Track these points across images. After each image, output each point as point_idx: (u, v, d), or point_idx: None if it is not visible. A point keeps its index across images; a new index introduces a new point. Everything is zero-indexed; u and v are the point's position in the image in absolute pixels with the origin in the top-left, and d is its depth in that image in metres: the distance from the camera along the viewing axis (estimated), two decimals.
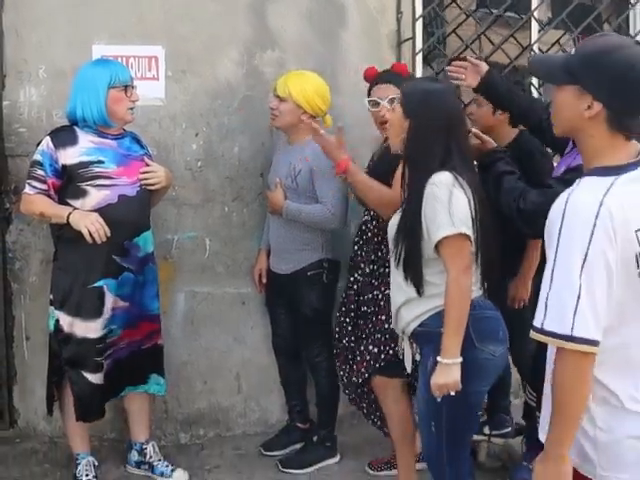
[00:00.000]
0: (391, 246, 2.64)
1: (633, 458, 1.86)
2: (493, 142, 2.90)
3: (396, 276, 2.64)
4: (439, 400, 2.51)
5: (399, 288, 2.63)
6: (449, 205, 2.46)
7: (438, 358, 2.47)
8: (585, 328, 1.73)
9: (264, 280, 3.83)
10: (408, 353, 2.79)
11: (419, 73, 4.27)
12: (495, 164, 2.78)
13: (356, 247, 3.42)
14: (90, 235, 3.06)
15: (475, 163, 2.76)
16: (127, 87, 3.26)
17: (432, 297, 2.55)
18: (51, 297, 3.28)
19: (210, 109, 3.88)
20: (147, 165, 3.34)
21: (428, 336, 2.57)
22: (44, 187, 3.15)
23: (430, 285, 2.55)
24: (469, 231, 2.48)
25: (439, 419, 2.56)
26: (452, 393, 2.46)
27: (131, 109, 3.29)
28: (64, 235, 3.21)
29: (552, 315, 1.77)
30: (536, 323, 1.80)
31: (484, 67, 3.09)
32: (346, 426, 4.05)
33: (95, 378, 3.25)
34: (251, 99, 3.91)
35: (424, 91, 2.64)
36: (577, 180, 1.86)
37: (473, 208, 2.50)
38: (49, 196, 3.17)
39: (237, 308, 4.00)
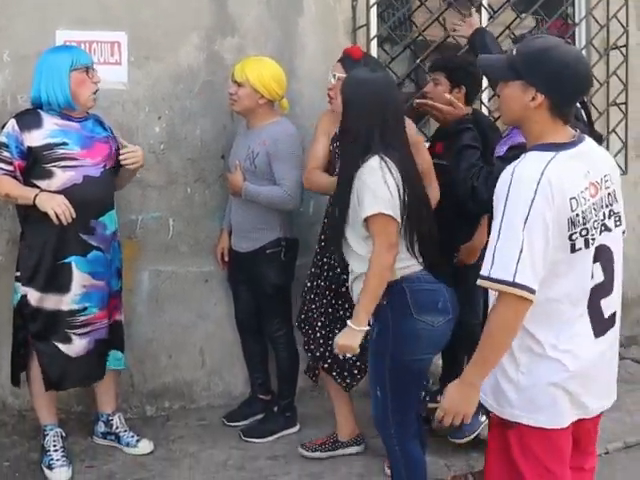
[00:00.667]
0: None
1: (548, 401, 2.14)
2: (463, 108, 3.13)
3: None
4: (382, 365, 2.77)
5: (350, 265, 2.84)
6: (374, 188, 2.67)
7: (348, 322, 2.74)
8: (526, 276, 2.02)
9: (226, 258, 3.98)
10: None
11: None
12: (460, 135, 2.99)
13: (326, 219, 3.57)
14: (57, 217, 3.19)
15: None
16: (88, 69, 3.38)
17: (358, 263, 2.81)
18: (17, 274, 3.40)
19: (172, 93, 4.00)
20: (123, 146, 3.47)
21: (373, 313, 2.78)
22: (10, 168, 3.26)
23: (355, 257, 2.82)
24: (391, 211, 2.68)
25: (383, 384, 2.76)
26: (348, 355, 2.87)
27: (94, 93, 3.40)
28: (31, 215, 3.32)
29: (498, 264, 2.05)
30: (484, 272, 2.08)
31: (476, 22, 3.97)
32: (306, 398, 4.23)
33: (67, 349, 3.39)
34: (212, 84, 4.04)
35: (358, 80, 2.84)
36: (522, 154, 2.16)
37: (401, 189, 2.69)
38: (15, 177, 3.28)
39: (200, 286, 4.15)
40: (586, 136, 2.25)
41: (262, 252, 3.74)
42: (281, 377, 3.93)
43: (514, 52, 2.21)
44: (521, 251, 2.01)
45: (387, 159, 2.70)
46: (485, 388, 2.21)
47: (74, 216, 3.23)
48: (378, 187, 2.67)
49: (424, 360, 2.88)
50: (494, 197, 2.14)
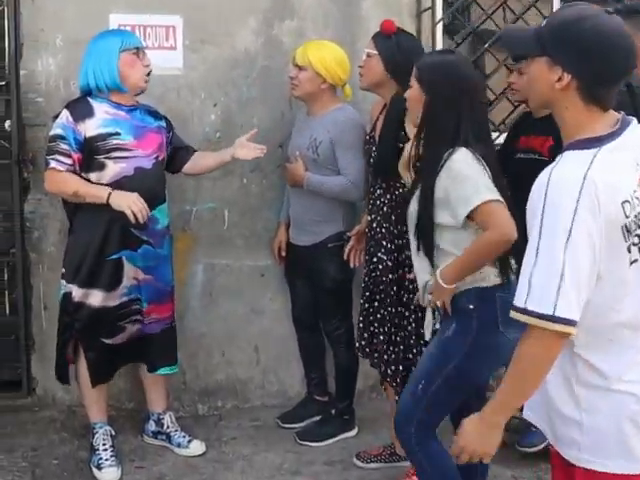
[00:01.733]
0: (411, 231, 2.62)
1: (619, 442, 1.78)
2: None
3: (418, 258, 2.64)
4: (441, 368, 2.55)
5: (423, 268, 2.63)
6: (475, 177, 2.44)
7: (437, 273, 2.54)
8: (568, 307, 1.66)
9: (283, 253, 3.80)
10: (429, 321, 2.75)
11: (439, 44, 4.18)
12: None
13: (375, 224, 3.30)
14: (134, 216, 3.07)
15: None
16: (139, 50, 3.23)
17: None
18: (63, 270, 3.28)
19: (228, 79, 3.84)
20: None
21: (454, 312, 2.56)
22: (69, 162, 3.12)
23: (444, 255, 2.56)
24: (498, 196, 2.45)
25: (430, 384, 2.54)
26: (438, 304, 2.57)
27: (147, 75, 3.25)
28: (80, 209, 3.20)
29: (535, 293, 1.69)
30: (518, 302, 1.72)
31: None
32: (365, 400, 4.04)
33: (113, 340, 3.28)
34: (270, 69, 3.86)
35: (438, 64, 2.60)
36: (559, 156, 1.78)
37: (492, 183, 2.47)
38: (74, 172, 3.14)
39: (256, 280, 3.98)
40: (631, 118, 1.83)
41: (323, 246, 3.55)
42: (339, 378, 3.74)
43: (543, 23, 1.85)
44: (562, 276, 1.65)
45: (476, 152, 2.49)
46: (539, 416, 1.92)
47: (150, 214, 3.14)
48: (480, 176, 2.45)
49: (487, 375, 2.68)
50: (527, 210, 1.78)
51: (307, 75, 3.48)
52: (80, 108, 3.16)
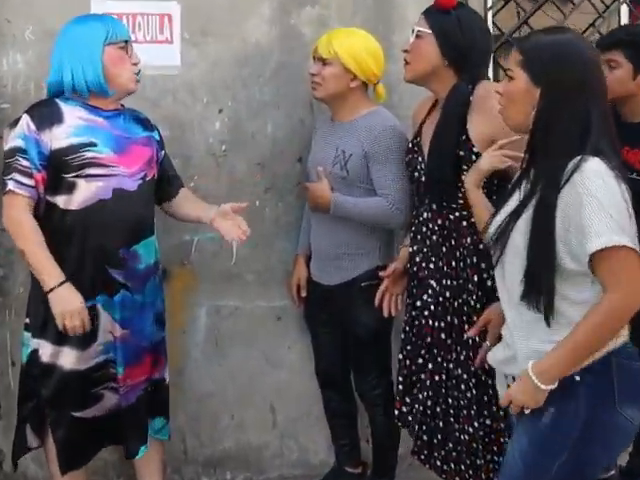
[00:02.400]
0: (503, 277, 1.91)
1: None
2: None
3: (507, 293, 1.91)
4: (547, 469, 1.81)
5: (517, 312, 1.89)
6: (608, 205, 1.70)
7: (529, 370, 1.79)
8: None
9: (303, 293, 3.08)
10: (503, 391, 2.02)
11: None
12: None
13: (418, 258, 2.60)
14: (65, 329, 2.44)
15: None
16: (127, 44, 2.53)
17: (562, 328, 1.79)
18: (27, 321, 2.58)
19: (237, 79, 3.13)
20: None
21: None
22: (32, 182, 2.42)
23: (563, 313, 1.80)
24: (636, 245, 1.74)
25: None
26: (526, 412, 1.83)
27: (136, 75, 2.56)
28: (48, 237, 2.48)
29: None
30: None
31: None
32: (404, 466, 3.29)
33: (85, 413, 2.56)
34: (287, 65, 3.15)
35: (554, 46, 1.86)
36: None
37: (629, 209, 1.75)
38: (38, 198, 2.44)
39: (271, 324, 3.26)
40: None
41: (354, 285, 2.83)
42: (377, 449, 3.02)
43: None
44: None
45: (608, 161, 1.77)
46: None
47: (88, 330, 2.46)
48: (614, 204, 1.73)
49: (600, 464, 1.96)
50: None
51: (333, 71, 2.78)
52: (45, 113, 2.46)
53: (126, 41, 2.53)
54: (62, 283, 2.40)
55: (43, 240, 2.41)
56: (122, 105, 2.64)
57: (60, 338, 2.46)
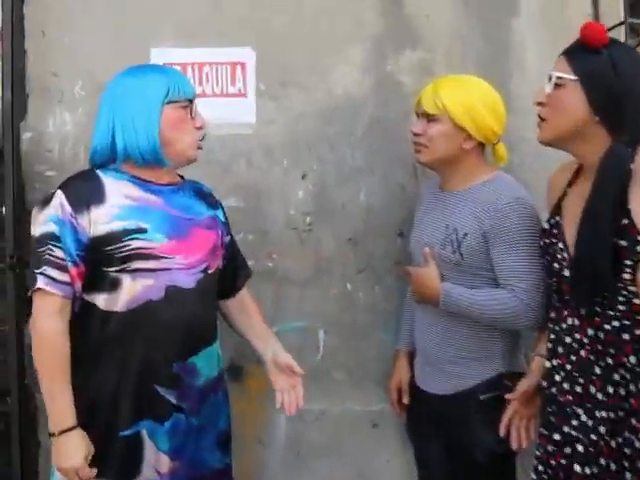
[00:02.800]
0: None
1: None
2: None
3: None
4: None
5: None
6: None
7: None
8: None
9: (405, 399, 2.50)
10: None
11: None
12: None
13: (559, 376, 1.94)
14: None
15: None
16: (191, 103, 2.03)
17: None
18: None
19: (323, 138, 2.61)
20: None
21: None
22: (66, 279, 1.89)
23: None
24: None
25: None
26: None
27: (200, 140, 2.06)
28: (82, 341, 1.95)
29: None
30: None
31: None
32: None
33: None
34: (383, 121, 2.62)
35: None
36: None
37: None
38: (73, 297, 1.93)
39: (365, 433, 2.68)
40: None
41: (470, 398, 2.23)
42: None
43: None
44: None
45: None
46: None
47: (188, 363, 2.00)
48: None
49: None
50: None
51: (442, 129, 2.21)
52: (84, 189, 1.95)
53: (190, 100, 2.03)
54: (67, 430, 1.86)
55: (66, 363, 1.89)
56: (181, 176, 2.14)
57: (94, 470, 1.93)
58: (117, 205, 1.94)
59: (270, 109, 2.59)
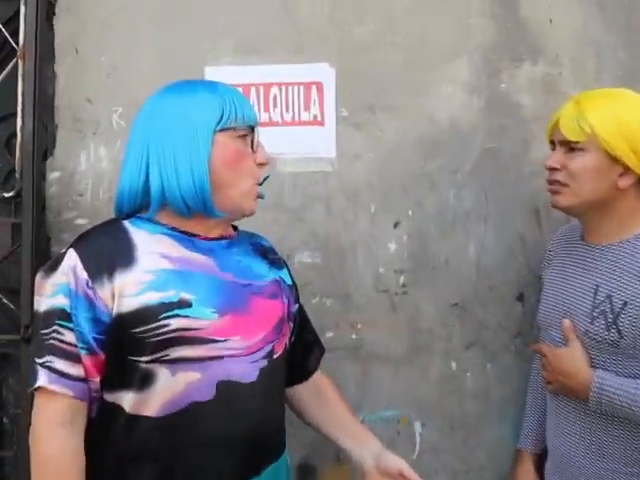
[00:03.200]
0: None
1: None
2: None
3: None
4: None
5: None
6: None
7: None
8: None
9: None
10: None
11: None
12: None
13: None
14: None
15: None
16: (252, 132, 1.50)
17: None
18: None
19: (421, 176, 2.05)
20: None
21: None
22: (78, 372, 1.36)
23: None
24: None
25: None
26: None
27: (260, 184, 1.52)
28: (103, 459, 1.41)
29: None
30: None
31: None
32: None
33: None
34: (497, 154, 2.05)
35: None
36: None
37: None
38: (89, 397, 1.39)
39: None
40: None
41: None
42: None
43: None
44: None
45: None
46: None
47: None
48: None
49: None
50: None
51: (590, 161, 1.63)
52: (106, 247, 1.41)
53: (252, 127, 1.50)
54: None
55: None
56: (234, 228, 1.61)
57: None
58: (151, 269, 1.40)
59: (354, 140, 2.04)
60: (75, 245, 1.42)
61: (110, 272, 1.38)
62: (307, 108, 2.03)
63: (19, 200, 1.96)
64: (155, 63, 2.07)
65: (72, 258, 1.39)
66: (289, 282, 1.63)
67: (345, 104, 2.04)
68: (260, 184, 1.50)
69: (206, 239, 1.49)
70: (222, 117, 1.44)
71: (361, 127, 2.04)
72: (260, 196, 1.51)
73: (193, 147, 1.42)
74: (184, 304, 1.39)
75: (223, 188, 1.44)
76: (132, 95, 2.04)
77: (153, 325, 1.36)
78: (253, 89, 2.02)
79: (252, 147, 1.48)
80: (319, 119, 2.02)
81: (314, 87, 2.02)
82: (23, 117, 1.96)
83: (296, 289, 1.67)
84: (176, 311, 1.38)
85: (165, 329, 1.37)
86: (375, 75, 2.04)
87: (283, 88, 2.03)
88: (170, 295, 1.39)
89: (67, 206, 2.07)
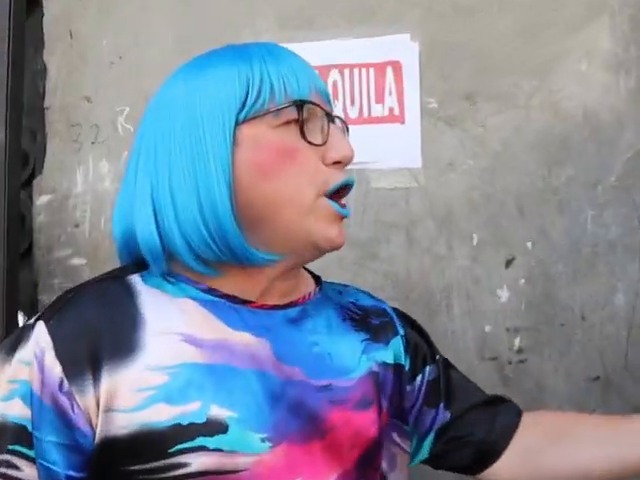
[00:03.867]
0: None
1: None
2: None
3: None
4: None
5: None
6: None
7: None
8: None
9: None
10: None
11: None
12: None
13: None
14: None
15: None
16: (314, 109, 0.87)
17: None
18: None
19: (544, 192, 1.42)
20: None
21: None
22: None
23: None
24: None
25: None
26: None
27: (337, 196, 0.88)
28: None
29: None
30: None
31: None
32: None
33: None
34: None
35: None
36: None
37: None
38: None
39: None
40: None
41: None
42: None
43: None
44: None
45: None
46: None
47: None
48: None
49: None
50: None
51: None
52: (95, 322, 0.84)
53: (311, 104, 0.87)
54: None
55: None
56: (316, 279, 1.02)
57: None
58: (165, 364, 0.83)
59: (446, 142, 1.44)
60: (48, 315, 0.84)
61: (95, 365, 0.81)
62: (380, 99, 1.44)
63: None
64: (172, 48, 1.52)
65: (40, 339, 0.81)
66: (407, 364, 1.03)
67: (433, 91, 1.44)
68: (336, 195, 0.89)
69: (262, 307, 0.91)
70: (247, 98, 0.86)
71: (456, 123, 1.43)
72: (343, 214, 0.91)
73: (199, 154, 0.85)
74: (215, 427, 0.79)
75: (265, 213, 0.86)
76: (142, 90, 1.50)
77: (162, 463, 0.79)
78: None
79: (320, 136, 0.88)
80: (397, 114, 1.43)
81: (389, 69, 1.43)
82: (8, 121, 1.44)
83: (429, 345, 1.06)
84: (201, 440, 0.79)
85: (181, 471, 0.79)
86: (475, 50, 1.44)
87: (346, 72, 1.45)
88: (193, 410, 0.80)
89: (59, 241, 1.54)
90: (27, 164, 1.58)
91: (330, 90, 1.44)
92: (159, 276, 0.89)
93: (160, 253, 0.87)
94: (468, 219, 1.43)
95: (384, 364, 0.98)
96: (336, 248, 0.89)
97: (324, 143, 0.87)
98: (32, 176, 1.57)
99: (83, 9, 1.57)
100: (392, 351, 1.01)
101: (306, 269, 1.02)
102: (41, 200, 1.56)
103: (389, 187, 1.44)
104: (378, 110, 1.43)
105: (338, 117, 0.92)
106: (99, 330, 0.82)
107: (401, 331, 1.04)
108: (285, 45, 1.40)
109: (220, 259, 0.86)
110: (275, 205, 0.85)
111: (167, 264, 0.88)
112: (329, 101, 0.91)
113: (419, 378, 1.03)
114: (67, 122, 1.56)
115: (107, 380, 0.80)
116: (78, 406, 0.80)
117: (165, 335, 0.84)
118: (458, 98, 1.43)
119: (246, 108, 0.85)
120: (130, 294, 0.87)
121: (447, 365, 1.08)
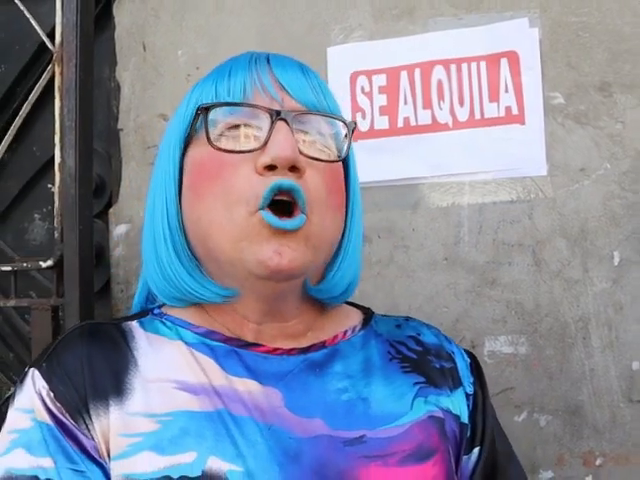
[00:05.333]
0: None
1: None
2: None
3: None
4: None
5: None
6: None
7: None
8: None
9: None
10: None
11: None
12: None
13: None
14: None
15: None
16: (278, 112, 0.78)
17: None
18: None
19: None
20: None
21: None
22: None
23: None
24: None
25: None
26: None
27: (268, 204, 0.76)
28: None
29: None
30: None
31: None
32: None
33: None
34: None
35: None
36: None
37: None
38: None
39: None
40: None
41: None
42: None
43: None
44: None
45: None
46: None
47: None
48: None
49: None
50: None
51: None
52: (83, 359, 0.79)
53: (233, 104, 0.79)
54: None
55: None
56: (365, 313, 0.91)
57: None
58: (153, 411, 0.76)
59: (577, 144, 1.20)
60: (39, 360, 0.80)
61: (85, 407, 0.76)
62: (494, 97, 1.22)
63: (61, 271, 1.30)
64: (249, 36, 1.36)
65: (37, 384, 0.77)
66: (465, 420, 0.83)
67: (558, 84, 1.21)
68: (277, 206, 0.74)
69: (274, 352, 0.79)
70: (192, 120, 0.81)
71: (588, 121, 1.20)
72: (282, 228, 0.74)
73: (165, 181, 0.82)
74: None
75: (205, 243, 0.78)
76: None
77: None
78: (404, 74, 1.25)
79: (255, 140, 0.76)
80: (515, 113, 1.21)
81: (504, 61, 1.22)
82: (62, 148, 1.30)
83: (484, 421, 0.86)
84: None
85: None
86: (609, 32, 1.20)
87: (452, 68, 1.24)
88: (186, 462, 0.71)
89: (137, 275, 1.40)
90: (104, 192, 1.45)
91: (434, 91, 1.23)
92: (158, 321, 0.82)
93: (144, 296, 0.90)
94: (607, 235, 1.19)
95: (449, 412, 0.81)
96: (277, 273, 0.73)
97: (262, 147, 0.74)
98: (109, 204, 1.43)
99: (155, 18, 1.42)
100: (456, 403, 0.83)
101: (350, 303, 0.90)
102: (118, 230, 1.41)
103: (510, 199, 1.22)
104: (493, 110, 1.21)
105: (302, 112, 0.77)
106: (86, 368, 0.76)
107: (468, 388, 0.85)
108: (379, 41, 1.21)
109: (174, 295, 0.80)
110: (207, 234, 0.75)
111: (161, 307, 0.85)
112: (277, 97, 0.77)
113: (476, 450, 0.83)
114: (142, 144, 1.41)
115: (97, 424, 0.73)
116: (81, 444, 0.73)
117: (157, 382, 0.75)
118: (590, 90, 1.19)
119: (189, 130, 0.79)
120: (124, 337, 0.80)
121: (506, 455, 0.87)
